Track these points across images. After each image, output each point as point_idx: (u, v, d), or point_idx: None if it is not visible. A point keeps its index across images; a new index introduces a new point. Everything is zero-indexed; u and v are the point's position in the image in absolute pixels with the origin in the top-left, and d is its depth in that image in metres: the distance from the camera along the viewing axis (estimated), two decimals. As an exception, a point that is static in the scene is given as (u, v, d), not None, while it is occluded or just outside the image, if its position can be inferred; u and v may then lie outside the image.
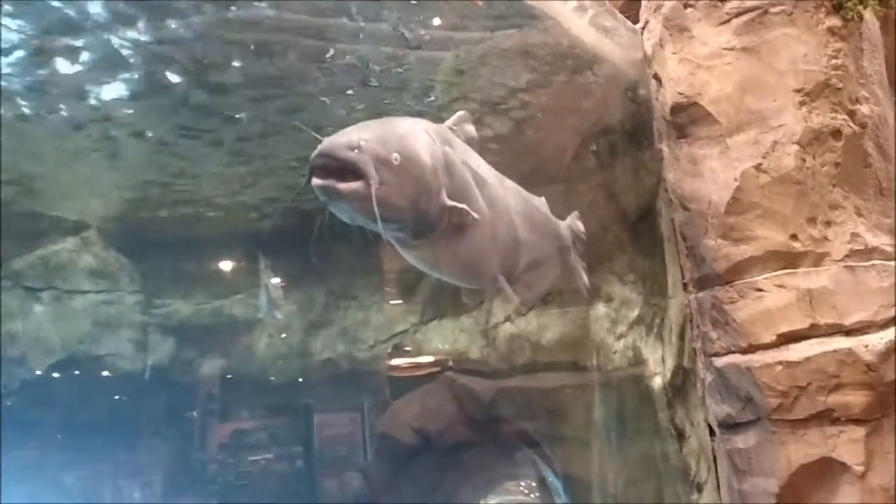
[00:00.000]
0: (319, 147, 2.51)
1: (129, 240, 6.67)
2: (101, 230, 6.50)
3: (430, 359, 7.39)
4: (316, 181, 2.50)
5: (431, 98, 4.79)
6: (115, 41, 4.01)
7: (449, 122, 3.28)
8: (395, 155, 2.60)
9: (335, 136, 2.57)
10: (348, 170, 2.49)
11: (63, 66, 4.22)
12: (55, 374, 6.53)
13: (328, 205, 2.61)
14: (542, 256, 3.86)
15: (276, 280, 6.54)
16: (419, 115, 4.69)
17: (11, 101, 4.43)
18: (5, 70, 4.15)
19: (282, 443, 7.85)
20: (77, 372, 6.58)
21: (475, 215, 2.94)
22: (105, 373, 6.67)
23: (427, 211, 2.79)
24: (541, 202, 3.95)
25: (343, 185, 2.48)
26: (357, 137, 2.55)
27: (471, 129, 3.35)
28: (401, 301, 7.54)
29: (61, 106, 4.69)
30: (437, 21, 4.31)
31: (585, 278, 4.39)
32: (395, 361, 7.50)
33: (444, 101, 4.79)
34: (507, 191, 3.46)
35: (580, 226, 4.37)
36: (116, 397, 6.89)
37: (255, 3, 3.97)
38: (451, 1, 4.16)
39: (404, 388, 7.41)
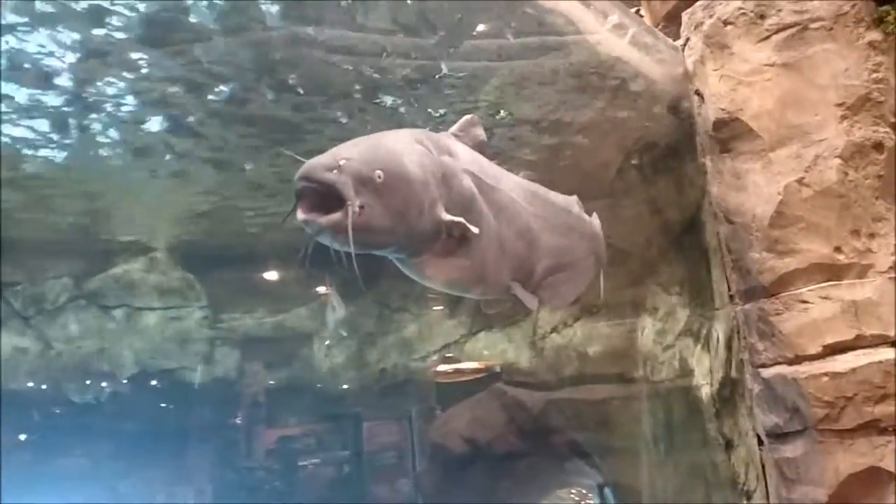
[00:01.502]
0: (300, 170, 2.38)
1: (195, 258, 6.95)
2: (169, 250, 6.80)
3: (478, 368, 7.51)
4: (299, 215, 2.39)
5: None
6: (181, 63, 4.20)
7: (454, 128, 3.16)
8: (379, 172, 2.44)
9: (317, 157, 2.44)
10: (329, 194, 2.36)
11: (128, 89, 4.45)
12: (130, 388, 6.85)
13: (313, 236, 2.46)
14: (571, 258, 3.65)
15: (339, 298, 6.69)
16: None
17: (85, 129, 4.70)
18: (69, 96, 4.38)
19: (341, 450, 8.07)
20: (149, 385, 6.89)
21: (474, 230, 2.76)
22: (175, 385, 6.93)
23: (420, 227, 2.64)
24: (570, 201, 3.79)
25: (324, 219, 2.35)
26: (337, 157, 2.41)
27: (479, 132, 3.22)
28: (449, 312, 7.69)
29: (128, 132, 4.93)
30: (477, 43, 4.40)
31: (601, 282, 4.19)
32: (445, 370, 7.64)
33: (487, 124, 4.89)
34: (523, 194, 3.30)
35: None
36: (186, 408, 7.15)
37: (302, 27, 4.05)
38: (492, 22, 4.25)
39: (456, 397, 7.55)
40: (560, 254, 3.53)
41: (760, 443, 3.88)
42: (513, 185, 3.26)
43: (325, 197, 2.36)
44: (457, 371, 7.55)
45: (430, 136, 2.88)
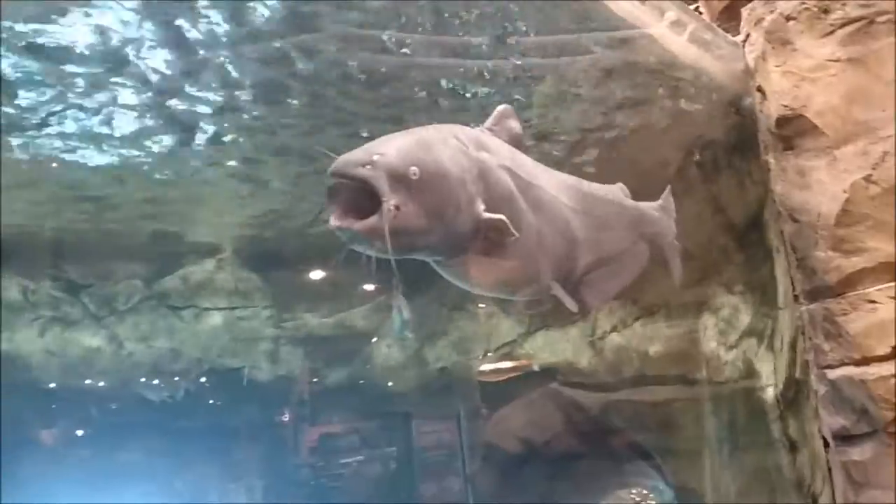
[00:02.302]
0: (332, 165, 2.31)
1: (261, 259, 7.14)
2: (236, 251, 7.01)
3: (517, 366, 7.53)
4: (332, 221, 2.31)
5: (530, 120, 4.90)
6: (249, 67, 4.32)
7: (489, 122, 3.06)
8: (414, 169, 2.35)
9: (350, 152, 2.36)
10: (363, 191, 2.28)
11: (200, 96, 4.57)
12: (198, 386, 7.09)
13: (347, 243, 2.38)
14: (614, 251, 3.53)
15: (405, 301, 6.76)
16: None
17: (155, 136, 4.88)
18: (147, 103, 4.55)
19: (401, 448, 8.19)
20: (216, 383, 7.11)
21: (515, 233, 2.64)
22: (242, 383, 7.14)
23: (458, 227, 2.54)
24: (614, 190, 3.67)
25: (358, 225, 2.26)
26: (371, 152, 2.33)
27: (515, 125, 3.11)
28: (507, 311, 7.72)
29: (197, 136, 5.09)
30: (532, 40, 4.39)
31: (678, 263, 4.05)
32: (503, 370, 7.67)
33: (541, 123, 4.91)
34: (562, 188, 3.19)
35: (671, 202, 4.05)
36: (251, 406, 7.36)
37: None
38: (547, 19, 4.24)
39: (512, 397, 7.58)
40: (602, 249, 3.41)
41: (826, 445, 3.81)
42: (551, 179, 3.15)
43: (359, 197, 2.29)
44: (504, 369, 7.58)
45: (466, 131, 2.80)
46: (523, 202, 2.86)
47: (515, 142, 3.06)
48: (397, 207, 2.29)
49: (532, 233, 2.89)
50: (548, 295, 3.14)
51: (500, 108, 3.12)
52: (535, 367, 7.53)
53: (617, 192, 3.68)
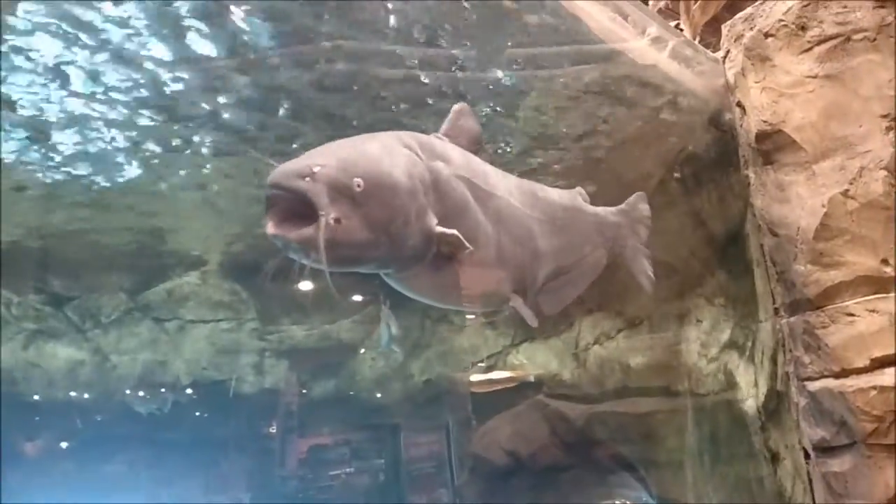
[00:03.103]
0: (270, 175, 2.18)
1: (245, 271, 7.11)
2: (220, 264, 6.99)
3: (512, 377, 7.55)
4: (268, 229, 2.19)
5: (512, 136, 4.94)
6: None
7: (445, 126, 2.92)
8: (358, 181, 2.21)
9: (290, 161, 2.23)
10: (301, 203, 2.15)
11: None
12: (182, 398, 7.05)
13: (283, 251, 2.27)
14: (574, 259, 3.43)
15: (393, 316, 6.73)
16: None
17: (144, 154, 4.88)
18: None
19: (387, 460, 8.17)
20: (201, 395, 7.08)
21: (469, 247, 2.51)
22: (227, 395, 7.11)
23: (407, 240, 2.40)
24: (573, 195, 3.55)
25: (294, 234, 2.14)
26: (312, 163, 2.19)
27: (472, 124, 2.98)
28: (492, 323, 7.74)
29: (182, 149, 5.08)
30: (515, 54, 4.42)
31: (649, 269, 3.88)
32: (482, 380, 7.69)
33: (523, 137, 4.94)
34: (522, 196, 3.08)
35: (643, 210, 3.91)
36: (236, 418, 7.32)
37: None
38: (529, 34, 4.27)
39: (500, 408, 7.59)
40: (563, 256, 3.33)
41: (807, 456, 3.84)
42: (511, 188, 3.03)
43: (298, 206, 2.17)
44: (490, 381, 7.59)
45: (420, 138, 2.67)
46: (481, 213, 2.76)
47: (474, 142, 2.95)
48: (337, 220, 2.17)
49: (490, 244, 2.80)
50: (508, 307, 3.03)
51: (457, 106, 2.99)
52: (521, 379, 7.55)
53: (576, 197, 3.58)
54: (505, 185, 3.00)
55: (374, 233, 2.30)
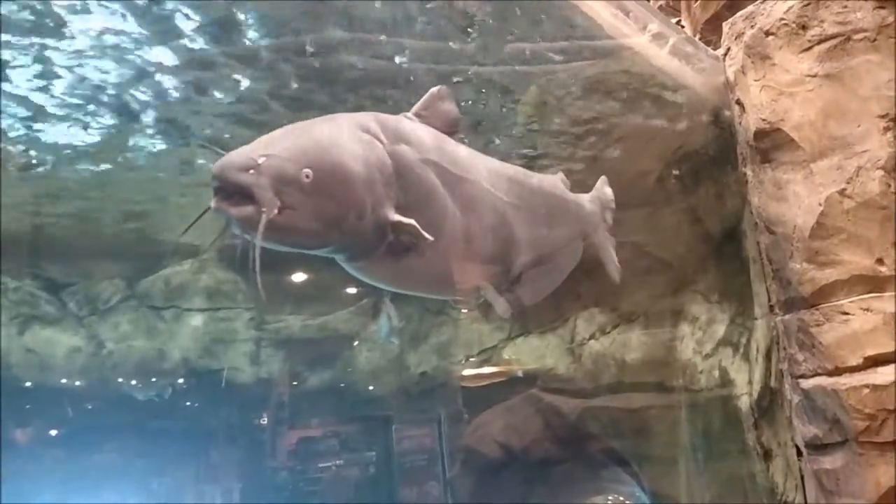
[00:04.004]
0: (214, 166, 2.10)
1: (242, 260, 7.06)
2: (217, 252, 6.98)
3: (501, 371, 7.57)
4: (212, 203, 2.10)
5: (513, 131, 4.94)
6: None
7: (417, 107, 2.77)
8: (307, 171, 2.12)
9: (235, 151, 2.14)
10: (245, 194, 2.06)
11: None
12: (178, 387, 7.06)
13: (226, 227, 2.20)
14: (554, 247, 3.31)
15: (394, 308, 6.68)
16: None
17: (144, 141, 4.88)
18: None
19: (381, 451, 8.20)
20: (196, 384, 7.08)
21: (428, 237, 2.39)
22: (222, 385, 7.11)
23: (361, 229, 2.31)
24: (554, 182, 3.42)
25: (234, 210, 2.06)
26: (257, 153, 2.10)
27: (450, 107, 2.83)
28: (488, 317, 7.76)
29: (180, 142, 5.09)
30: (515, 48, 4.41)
31: (615, 257, 3.71)
32: (483, 375, 7.71)
33: (523, 132, 4.95)
34: (499, 181, 2.94)
35: (608, 193, 3.75)
36: (234, 407, 7.33)
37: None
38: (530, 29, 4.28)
39: (494, 402, 7.62)
40: (542, 245, 3.20)
41: (799, 454, 3.87)
42: (486, 172, 2.90)
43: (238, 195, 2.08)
44: (485, 374, 7.61)
45: (383, 120, 2.53)
46: (449, 199, 2.64)
47: (451, 126, 2.82)
48: (282, 209, 2.08)
49: (457, 232, 2.69)
50: (479, 296, 2.95)
51: (434, 89, 2.84)
52: (516, 373, 7.57)
53: (557, 183, 3.44)
54: (479, 168, 2.87)
55: (324, 223, 2.23)
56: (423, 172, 2.55)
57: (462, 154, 2.80)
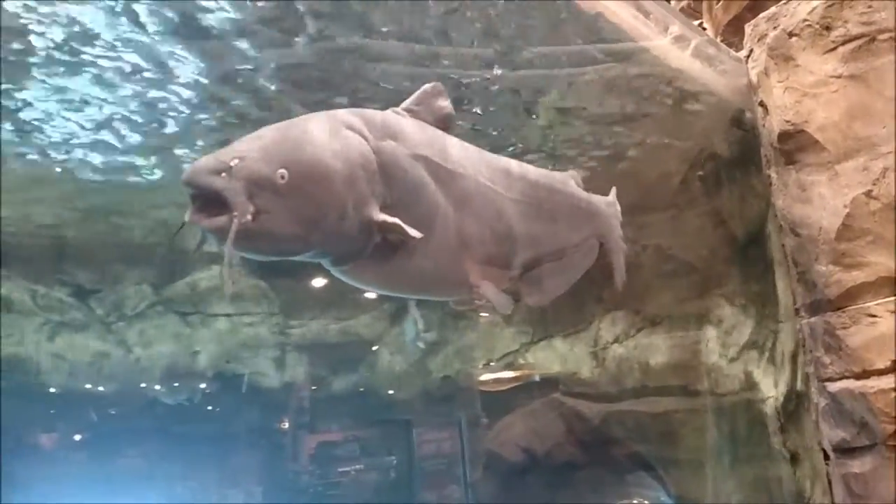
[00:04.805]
0: (185, 171, 2.01)
1: (267, 265, 7.17)
2: (243, 257, 7.03)
3: (517, 376, 7.57)
4: (187, 215, 2.02)
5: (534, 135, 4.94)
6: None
7: (408, 102, 2.67)
8: (282, 172, 2.03)
9: (207, 156, 2.05)
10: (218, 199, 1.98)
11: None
12: (206, 391, 7.14)
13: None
14: (560, 246, 3.18)
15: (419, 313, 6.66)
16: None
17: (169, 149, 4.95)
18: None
19: (400, 454, 8.23)
20: (223, 388, 7.16)
21: (414, 233, 2.28)
22: (247, 389, 7.18)
23: (344, 231, 2.21)
24: (565, 179, 3.29)
25: (207, 222, 1.97)
26: (230, 156, 2.01)
27: (443, 104, 2.73)
28: (511, 321, 7.76)
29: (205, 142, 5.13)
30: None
31: (623, 265, 3.58)
32: (505, 379, 7.71)
33: (544, 135, 4.95)
34: (498, 176, 2.84)
35: (617, 205, 3.64)
36: (260, 411, 7.39)
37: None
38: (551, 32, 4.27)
39: (515, 406, 7.62)
40: (546, 242, 3.09)
41: (827, 457, 3.84)
42: (484, 167, 2.79)
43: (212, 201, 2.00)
44: (507, 379, 7.60)
45: (368, 115, 2.43)
46: (441, 195, 2.54)
47: (444, 122, 2.72)
48: (257, 214, 1.99)
49: (450, 229, 2.59)
50: (476, 294, 2.79)
51: (428, 85, 2.74)
52: (538, 377, 7.57)
53: (568, 181, 3.32)
54: (475, 163, 2.76)
55: (303, 225, 2.12)
56: (412, 168, 2.45)
57: (456, 149, 2.70)
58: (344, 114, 2.37)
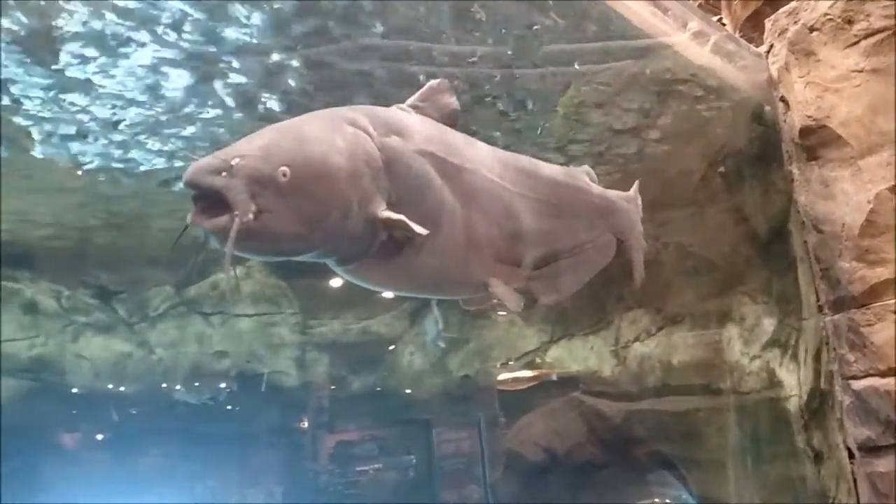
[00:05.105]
0: (186, 172, 1.98)
1: (287, 266, 7.21)
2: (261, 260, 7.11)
3: (534, 376, 7.55)
4: (189, 216, 1.98)
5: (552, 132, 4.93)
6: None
7: (413, 98, 2.64)
8: (284, 169, 2.00)
9: (208, 156, 2.04)
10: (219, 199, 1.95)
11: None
12: (227, 391, 7.20)
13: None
14: (574, 242, 3.10)
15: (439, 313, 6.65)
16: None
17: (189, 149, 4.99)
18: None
19: (420, 453, 8.25)
20: (244, 388, 7.22)
21: (420, 230, 2.23)
22: (268, 388, 7.23)
23: (349, 229, 2.17)
24: (577, 174, 3.22)
25: (208, 223, 1.93)
26: (230, 155, 1.99)
27: (449, 100, 2.69)
28: (531, 320, 7.75)
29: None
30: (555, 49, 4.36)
31: (642, 263, 3.49)
32: (525, 378, 7.69)
33: (564, 132, 4.93)
34: (507, 172, 2.78)
35: (639, 200, 3.55)
36: (281, 410, 7.44)
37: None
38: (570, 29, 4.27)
39: (535, 405, 7.61)
40: (558, 239, 3.02)
41: (851, 456, 3.79)
42: (492, 162, 2.74)
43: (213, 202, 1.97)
44: (527, 378, 7.58)
45: (372, 112, 2.40)
46: (448, 191, 2.50)
47: (449, 118, 2.68)
48: (259, 213, 1.96)
49: (457, 226, 2.54)
50: (486, 292, 2.73)
51: (434, 81, 2.70)
52: (557, 377, 7.55)
53: (581, 176, 3.25)
54: (483, 158, 2.71)
55: (306, 224, 2.09)
56: (418, 164, 2.40)
57: (463, 144, 2.66)
58: (347, 111, 2.34)
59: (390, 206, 2.26)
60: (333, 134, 2.18)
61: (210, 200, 1.94)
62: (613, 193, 3.39)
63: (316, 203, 2.08)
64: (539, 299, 3.01)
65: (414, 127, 2.48)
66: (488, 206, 2.64)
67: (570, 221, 3.08)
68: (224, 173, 1.93)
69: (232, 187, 1.92)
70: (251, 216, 1.93)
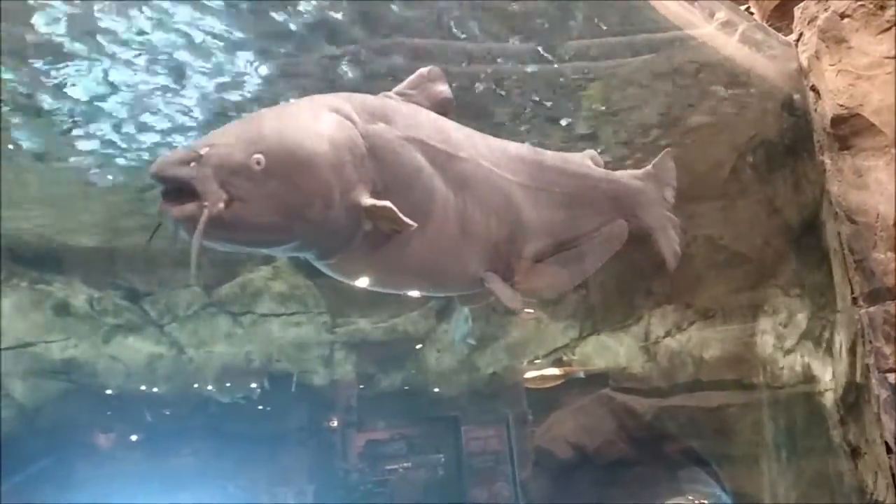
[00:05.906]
0: (153, 164, 1.93)
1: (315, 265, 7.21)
2: (291, 258, 7.15)
3: (586, 374, 7.51)
4: (159, 203, 1.94)
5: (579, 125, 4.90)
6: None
7: (402, 86, 2.55)
8: (258, 157, 1.93)
9: (180, 147, 2.05)
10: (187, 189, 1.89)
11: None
12: (258, 390, 7.27)
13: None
14: (579, 231, 2.96)
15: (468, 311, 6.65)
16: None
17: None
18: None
19: (449, 451, 8.26)
20: (274, 388, 7.28)
21: (409, 222, 2.12)
22: (297, 387, 7.29)
23: (330, 220, 2.08)
24: (580, 160, 3.09)
25: (176, 210, 1.88)
26: (200, 145, 1.93)
27: (440, 88, 2.58)
28: (560, 316, 7.72)
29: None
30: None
31: (674, 240, 3.27)
32: (554, 375, 7.66)
33: (591, 125, 4.90)
34: (504, 160, 2.66)
35: (670, 168, 3.36)
36: (310, 409, 7.49)
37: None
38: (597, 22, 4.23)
39: (564, 402, 7.57)
40: (561, 228, 2.88)
41: (889, 451, 3.71)
42: (487, 150, 2.63)
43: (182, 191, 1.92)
44: (555, 375, 7.54)
45: (357, 99, 2.31)
46: (439, 180, 2.38)
47: (441, 107, 2.57)
48: (230, 202, 1.89)
49: (450, 216, 2.42)
50: (482, 287, 2.60)
51: (424, 69, 2.61)
52: (586, 373, 7.51)
53: (585, 162, 3.12)
54: (477, 146, 2.59)
55: (283, 214, 2.00)
56: (405, 152, 2.30)
57: (455, 132, 2.55)
58: (330, 97, 2.27)
59: (375, 196, 2.17)
60: (313, 120, 2.11)
61: (180, 193, 1.90)
62: (622, 174, 3.26)
63: (293, 191, 2.00)
64: (542, 292, 2.98)
65: (402, 113, 2.38)
66: (484, 195, 2.53)
67: (575, 209, 2.96)
68: (192, 163, 1.88)
69: (199, 176, 1.87)
70: (222, 205, 1.87)
